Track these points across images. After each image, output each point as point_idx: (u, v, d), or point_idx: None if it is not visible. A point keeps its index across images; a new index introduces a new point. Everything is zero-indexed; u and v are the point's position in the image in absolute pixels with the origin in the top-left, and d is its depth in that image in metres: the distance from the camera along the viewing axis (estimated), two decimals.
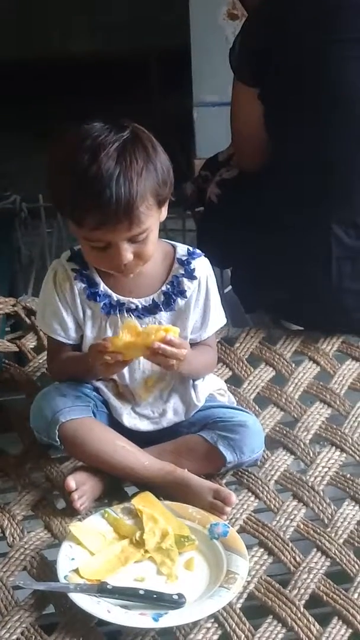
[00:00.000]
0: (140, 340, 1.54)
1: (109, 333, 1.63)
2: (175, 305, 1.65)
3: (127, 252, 1.53)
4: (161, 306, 1.64)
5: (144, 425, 1.69)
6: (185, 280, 1.64)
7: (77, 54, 4.76)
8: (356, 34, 1.91)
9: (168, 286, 1.64)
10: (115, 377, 1.67)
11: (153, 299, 1.64)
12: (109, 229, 1.50)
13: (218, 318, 1.71)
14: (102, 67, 4.42)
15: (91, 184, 1.47)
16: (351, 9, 1.92)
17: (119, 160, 1.47)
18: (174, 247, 1.67)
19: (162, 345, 1.53)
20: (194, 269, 1.65)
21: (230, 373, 2.00)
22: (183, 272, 1.65)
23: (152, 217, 1.53)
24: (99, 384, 1.69)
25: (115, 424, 1.68)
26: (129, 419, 1.68)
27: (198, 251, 1.68)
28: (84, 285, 1.63)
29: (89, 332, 1.66)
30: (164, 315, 1.64)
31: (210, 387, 1.76)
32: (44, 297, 1.68)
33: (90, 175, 1.46)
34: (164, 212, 1.59)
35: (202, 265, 1.67)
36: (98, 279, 1.64)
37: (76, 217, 1.51)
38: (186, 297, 1.65)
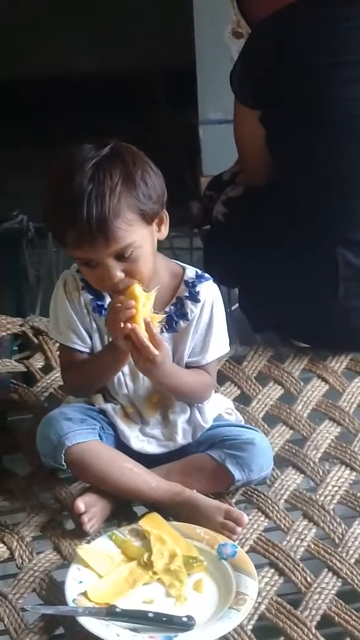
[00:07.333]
0: (143, 300, 1.50)
1: None
2: (177, 327, 1.64)
3: (116, 270, 1.51)
4: (163, 327, 1.62)
5: (152, 448, 1.68)
6: (188, 302, 1.63)
7: (82, 71, 4.76)
8: (358, 56, 1.91)
9: (172, 307, 1.63)
10: (123, 392, 1.66)
11: None
12: (88, 248, 1.49)
13: (220, 345, 1.68)
14: (107, 85, 4.43)
15: (66, 203, 1.47)
16: (353, 31, 1.92)
17: (92, 178, 1.47)
18: (184, 269, 1.66)
19: (137, 328, 1.49)
20: (198, 292, 1.63)
21: (238, 391, 1.99)
22: (187, 295, 1.63)
23: (136, 233, 1.50)
24: (107, 407, 1.68)
25: (123, 446, 1.67)
26: (137, 442, 1.67)
27: (207, 275, 1.66)
28: (91, 297, 1.62)
29: (96, 345, 1.64)
30: (165, 336, 1.62)
31: (218, 408, 1.75)
32: (55, 307, 1.66)
33: (64, 194, 1.47)
34: (164, 229, 1.58)
35: (209, 290, 1.65)
36: (105, 292, 1.62)
37: (57, 238, 1.52)
38: (188, 320, 1.63)
